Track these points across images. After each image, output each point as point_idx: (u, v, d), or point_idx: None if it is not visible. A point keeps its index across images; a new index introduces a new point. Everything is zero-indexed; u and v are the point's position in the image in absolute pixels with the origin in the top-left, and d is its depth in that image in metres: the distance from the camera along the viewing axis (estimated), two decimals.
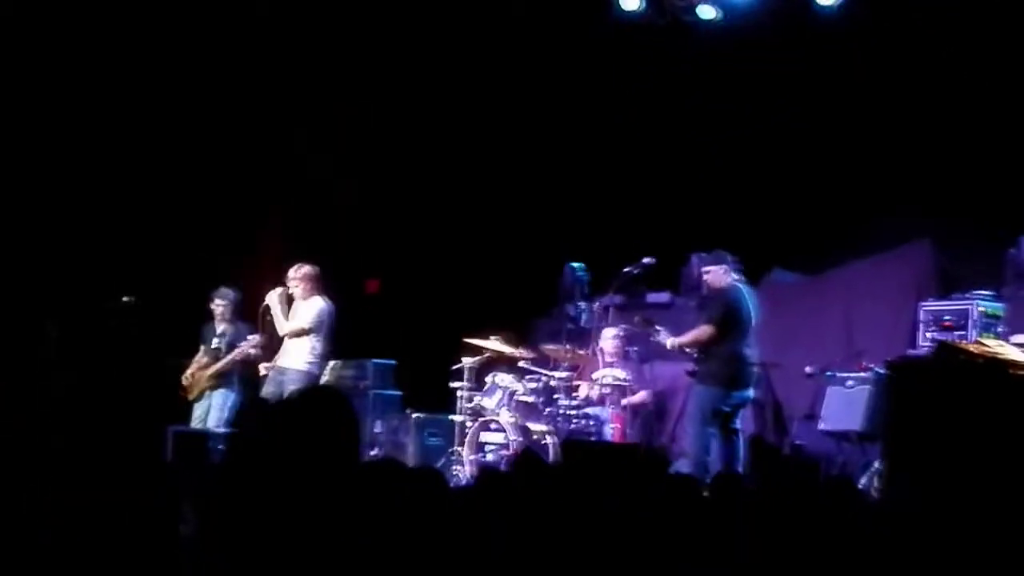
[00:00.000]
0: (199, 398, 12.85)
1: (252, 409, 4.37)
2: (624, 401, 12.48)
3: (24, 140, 13.64)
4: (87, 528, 4.70)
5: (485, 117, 14.99)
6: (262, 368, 12.47)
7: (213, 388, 12.81)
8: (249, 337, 12.59)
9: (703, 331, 11.36)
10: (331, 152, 15.19)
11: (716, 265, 11.52)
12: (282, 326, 12.25)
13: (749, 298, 11.45)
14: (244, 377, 12.84)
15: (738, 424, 11.38)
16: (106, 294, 13.12)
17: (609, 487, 5.91)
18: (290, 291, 12.32)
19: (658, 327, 11.91)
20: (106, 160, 14.06)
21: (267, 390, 12.17)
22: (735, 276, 11.47)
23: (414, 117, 15.17)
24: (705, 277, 11.67)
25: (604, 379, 12.62)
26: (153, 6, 13.80)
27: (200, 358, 12.90)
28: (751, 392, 11.50)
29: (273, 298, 12.28)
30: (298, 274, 12.34)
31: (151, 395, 12.78)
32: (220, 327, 12.92)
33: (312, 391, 4.61)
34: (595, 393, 12.62)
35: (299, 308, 12.34)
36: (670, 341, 11.67)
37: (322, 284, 12.41)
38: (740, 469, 10.99)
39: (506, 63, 14.61)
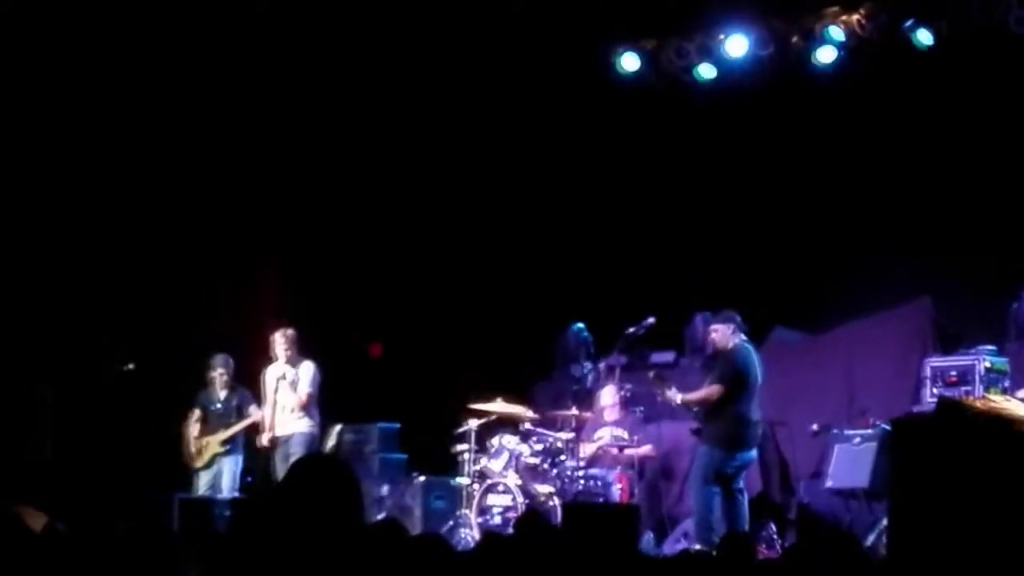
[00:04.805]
0: (208, 464, 12.84)
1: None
2: (629, 450, 12.41)
3: (25, 199, 13.64)
4: None
5: (485, 179, 15.04)
6: (264, 438, 12.49)
7: (223, 455, 12.82)
8: (253, 408, 12.67)
9: (713, 390, 11.36)
10: (331, 213, 15.23)
11: (723, 324, 11.53)
12: (290, 396, 12.34)
13: (755, 358, 11.46)
14: (246, 442, 12.88)
15: (741, 484, 11.37)
16: (106, 360, 13.08)
17: (609, 549, 5.91)
18: (279, 356, 12.43)
19: (669, 383, 11.88)
20: (102, 223, 14.06)
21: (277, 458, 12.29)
22: (742, 336, 11.48)
23: (414, 179, 15.22)
24: (712, 336, 11.66)
25: (602, 439, 12.59)
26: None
27: (195, 423, 12.90)
28: (754, 453, 11.53)
29: (279, 368, 12.39)
30: (285, 338, 12.44)
31: (154, 462, 12.77)
32: (221, 393, 12.93)
33: (314, 460, 4.62)
34: (590, 450, 12.53)
35: (295, 372, 12.44)
36: (680, 397, 11.65)
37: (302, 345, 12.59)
38: (746, 528, 10.98)
39: (507, 124, 14.68)
